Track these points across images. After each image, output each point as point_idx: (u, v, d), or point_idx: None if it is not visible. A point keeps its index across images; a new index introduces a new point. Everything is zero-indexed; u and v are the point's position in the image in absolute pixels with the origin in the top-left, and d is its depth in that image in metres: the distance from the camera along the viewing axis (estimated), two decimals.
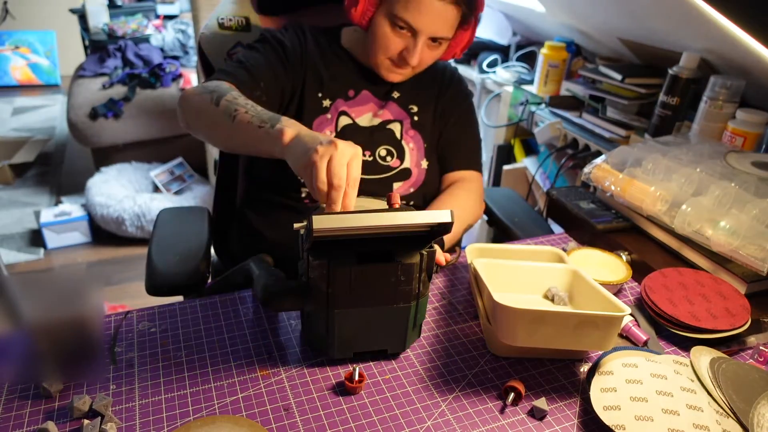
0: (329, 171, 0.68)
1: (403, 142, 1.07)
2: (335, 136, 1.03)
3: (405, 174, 1.06)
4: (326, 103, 1.05)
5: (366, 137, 1.04)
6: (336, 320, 0.71)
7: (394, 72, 1.02)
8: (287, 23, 1.10)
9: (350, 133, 1.05)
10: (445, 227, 0.67)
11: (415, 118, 1.08)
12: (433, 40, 0.97)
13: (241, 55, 1.02)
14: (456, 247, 1.10)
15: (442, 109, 1.11)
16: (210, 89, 0.90)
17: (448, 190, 1.09)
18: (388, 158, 1.05)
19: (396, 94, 1.09)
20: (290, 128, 0.78)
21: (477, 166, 1.15)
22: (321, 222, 0.61)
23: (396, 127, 1.07)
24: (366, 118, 1.06)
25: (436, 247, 0.76)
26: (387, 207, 0.74)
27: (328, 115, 1.04)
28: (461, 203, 1.06)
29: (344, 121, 1.05)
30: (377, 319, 0.72)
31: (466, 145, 1.14)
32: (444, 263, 0.87)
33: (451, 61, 1.16)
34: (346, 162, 0.69)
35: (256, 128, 0.81)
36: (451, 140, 1.12)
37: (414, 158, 1.07)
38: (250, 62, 1.00)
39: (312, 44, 1.06)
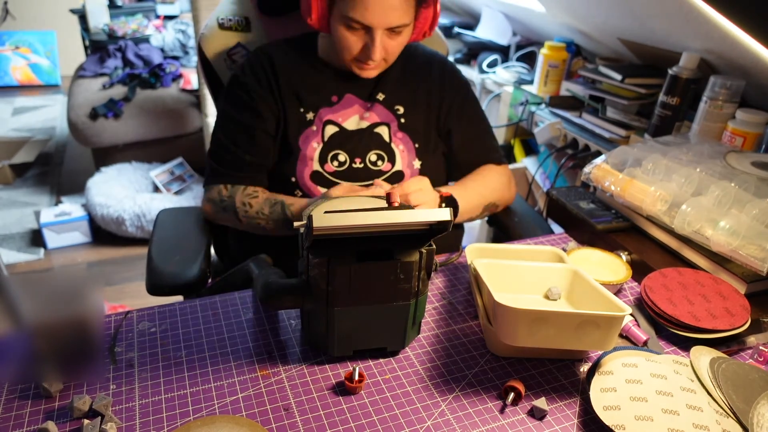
0: None
1: (392, 145, 1.06)
2: (322, 147, 1.04)
3: (398, 177, 1.06)
4: (310, 116, 1.04)
5: (355, 144, 1.04)
6: (336, 318, 0.71)
7: (367, 69, 1.01)
8: (251, 56, 1.07)
9: (338, 141, 1.04)
10: (445, 225, 0.67)
11: (402, 120, 1.07)
12: (392, 29, 0.95)
13: (220, 133, 1.05)
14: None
15: (440, 109, 1.10)
16: (222, 206, 1.04)
17: (473, 172, 1.14)
18: (379, 162, 1.05)
19: (381, 96, 1.07)
20: (294, 206, 0.98)
21: (496, 159, 1.16)
22: (321, 221, 0.61)
23: (384, 131, 1.06)
24: (353, 121, 1.06)
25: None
26: (386, 205, 0.74)
27: (314, 127, 1.04)
28: (484, 180, 1.10)
29: (331, 129, 1.04)
30: (377, 316, 0.72)
31: (478, 141, 1.15)
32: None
33: (451, 59, 1.16)
34: None
35: (281, 222, 0.99)
36: (461, 142, 1.12)
37: (405, 160, 1.06)
38: (230, 140, 1.03)
39: (282, 67, 1.04)
